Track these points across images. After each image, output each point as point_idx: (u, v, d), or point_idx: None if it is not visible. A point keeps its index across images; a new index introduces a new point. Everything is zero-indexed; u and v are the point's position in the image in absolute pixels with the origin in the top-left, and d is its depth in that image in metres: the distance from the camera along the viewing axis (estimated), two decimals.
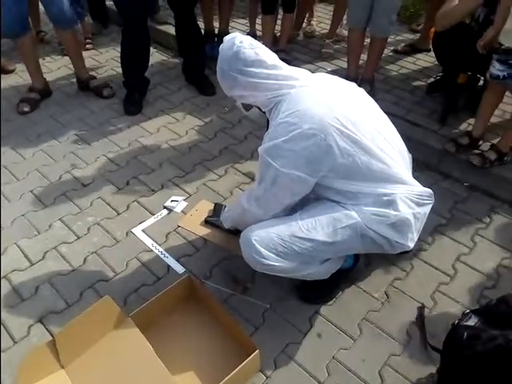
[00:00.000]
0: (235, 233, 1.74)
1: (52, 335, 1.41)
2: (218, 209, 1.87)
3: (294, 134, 1.22)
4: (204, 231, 1.83)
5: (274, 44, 3.03)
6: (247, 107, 1.48)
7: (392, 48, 3.19)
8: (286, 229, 1.31)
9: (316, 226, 1.30)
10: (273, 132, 1.27)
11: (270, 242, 1.30)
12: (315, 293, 1.56)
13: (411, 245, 1.38)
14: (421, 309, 1.53)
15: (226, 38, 1.34)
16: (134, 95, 2.62)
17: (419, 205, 1.35)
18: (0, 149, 2.24)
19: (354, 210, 1.31)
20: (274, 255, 1.30)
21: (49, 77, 2.86)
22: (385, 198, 1.30)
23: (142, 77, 2.64)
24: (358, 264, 1.62)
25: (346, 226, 1.30)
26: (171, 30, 3.29)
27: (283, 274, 1.37)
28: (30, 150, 2.31)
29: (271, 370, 1.37)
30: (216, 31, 3.20)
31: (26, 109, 2.59)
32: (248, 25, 3.44)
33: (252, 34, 3.30)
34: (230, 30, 3.32)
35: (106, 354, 1.29)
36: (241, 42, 1.30)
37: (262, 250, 1.29)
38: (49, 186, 2.08)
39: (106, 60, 3.20)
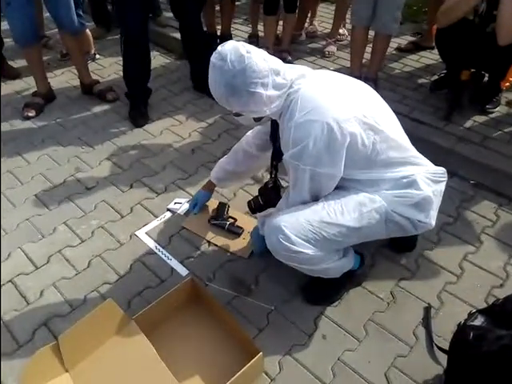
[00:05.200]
0: (238, 234, 1.76)
1: (56, 338, 1.41)
2: (221, 209, 1.86)
3: (317, 131, 1.19)
4: (207, 233, 1.82)
5: (276, 44, 3.03)
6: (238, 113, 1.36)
7: (395, 46, 3.18)
8: (314, 215, 1.30)
9: (343, 211, 1.31)
10: (294, 133, 1.22)
11: (300, 228, 1.28)
12: (320, 294, 1.55)
13: (433, 222, 1.41)
14: (427, 309, 1.51)
15: (226, 50, 1.18)
16: (139, 107, 2.61)
17: (436, 182, 1.39)
18: (0, 154, 2.24)
19: (376, 194, 1.34)
20: (303, 241, 1.28)
21: (53, 82, 2.88)
22: (405, 181, 1.34)
23: (145, 87, 2.64)
24: (364, 266, 1.61)
25: (371, 210, 1.32)
26: (173, 32, 3.32)
27: (305, 265, 1.35)
28: (34, 154, 2.33)
29: (276, 372, 1.36)
30: (218, 33, 3.20)
31: (31, 114, 2.61)
32: (250, 26, 3.44)
33: (254, 35, 3.30)
34: (232, 32, 3.33)
35: (109, 357, 1.28)
36: (248, 52, 1.18)
37: (292, 235, 1.27)
38: (53, 190, 2.10)
39: (109, 64, 3.22)
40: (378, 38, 2.54)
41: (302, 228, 1.28)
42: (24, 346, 1.44)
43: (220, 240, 1.78)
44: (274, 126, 1.45)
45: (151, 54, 2.64)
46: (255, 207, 1.65)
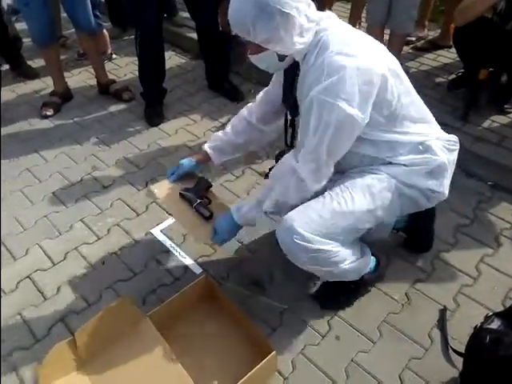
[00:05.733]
0: (205, 218, 1.50)
1: (72, 334, 1.43)
2: (199, 184, 1.60)
3: (353, 66, 1.09)
4: (171, 204, 1.59)
5: None
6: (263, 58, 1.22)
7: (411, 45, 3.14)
8: (324, 207, 1.24)
9: (353, 198, 1.25)
10: (328, 66, 1.10)
11: (313, 224, 1.21)
12: (334, 299, 1.53)
13: (446, 192, 1.37)
14: (443, 311, 1.49)
15: None
16: (155, 106, 2.63)
17: (449, 150, 1.35)
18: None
19: (384, 172, 1.29)
20: (319, 238, 1.21)
21: (70, 81, 2.92)
22: (421, 147, 1.29)
23: (160, 87, 2.66)
24: (379, 269, 1.57)
25: (381, 190, 1.28)
26: (189, 32, 3.34)
27: (326, 267, 1.29)
28: (52, 153, 2.37)
29: (289, 371, 1.36)
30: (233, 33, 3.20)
31: (49, 113, 2.66)
32: None
33: None
34: None
35: (123, 353, 1.30)
36: None
37: (307, 233, 1.20)
38: (70, 188, 2.13)
39: (125, 64, 3.25)
40: (393, 36, 2.51)
41: (316, 224, 1.21)
42: (41, 341, 1.47)
43: (183, 219, 1.54)
44: (291, 73, 1.32)
45: (167, 54, 2.67)
46: None
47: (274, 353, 1.26)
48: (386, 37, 2.61)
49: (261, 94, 1.54)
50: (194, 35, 2.84)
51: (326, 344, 1.43)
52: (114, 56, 3.33)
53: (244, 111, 1.58)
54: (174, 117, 2.63)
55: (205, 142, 1.62)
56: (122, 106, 2.76)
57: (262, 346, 1.31)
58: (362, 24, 3.19)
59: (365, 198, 1.26)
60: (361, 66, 1.10)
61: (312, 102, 1.14)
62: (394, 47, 2.52)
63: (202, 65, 2.91)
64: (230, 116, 2.60)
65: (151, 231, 1.86)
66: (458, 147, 1.39)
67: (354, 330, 1.47)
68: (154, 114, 2.59)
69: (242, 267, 1.69)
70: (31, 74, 3.10)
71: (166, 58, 2.66)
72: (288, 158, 1.31)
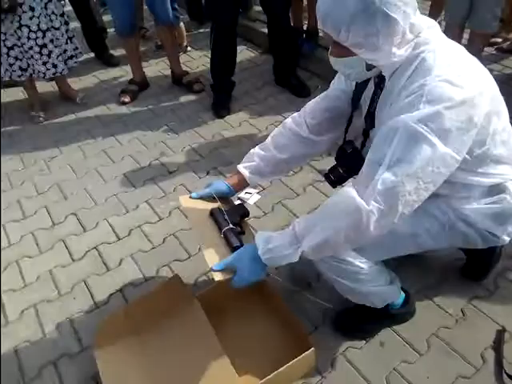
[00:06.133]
0: (234, 248, 1.18)
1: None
2: (235, 209, 1.35)
3: (458, 99, 0.92)
4: (198, 222, 1.29)
5: None
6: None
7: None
8: None
9: None
10: (429, 93, 0.93)
11: None
12: (353, 325, 1.44)
13: (508, 240, 1.22)
14: (501, 332, 1.40)
15: None
16: (222, 98, 2.72)
17: None
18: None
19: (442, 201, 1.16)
20: (352, 251, 1.14)
21: (147, 71, 3.11)
22: (497, 188, 1.15)
23: (229, 80, 2.74)
24: (407, 306, 1.45)
25: (431, 215, 1.16)
26: (262, 27, 3.38)
27: (348, 280, 1.21)
28: (126, 137, 2.55)
29: (327, 370, 1.36)
30: (304, 27, 3.20)
31: (126, 100, 2.85)
32: None
33: None
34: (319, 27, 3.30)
35: (170, 328, 1.38)
36: None
37: None
38: (139, 171, 2.28)
39: (199, 56, 3.38)
40: (474, 36, 2.36)
41: None
42: (100, 308, 1.60)
43: (206, 239, 1.24)
44: (365, 83, 1.18)
45: (239, 47, 2.73)
46: (336, 179, 1.33)
47: (312, 349, 1.26)
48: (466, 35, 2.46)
49: (315, 100, 1.38)
50: (266, 30, 2.89)
51: (369, 349, 1.41)
52: (188, 48, 3.47)
53: (289, 122, 1.39)
54: (240, 109, 2.70)
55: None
56: (192, 97, 2.89)
57: (303, 342, 1.32)
58: (442, 22, 3.04)
59: (410, 219, 1.06)
60: (467, 99, 0.93)
61: (398, 129, 0.95)
62: (475, 47, 2.37)
63: (271, 59, 2.95)
64: (293, 112, 2.60)
65: None
66: None
67: (400, 339, 1.43)
68: (221, 106, 2.68)
69: (291, 263, 1.70)
70: (113, 63, 3.34)
71: (238, 51, 2.73)
72: (348, 191, 1.01)
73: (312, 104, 1.38)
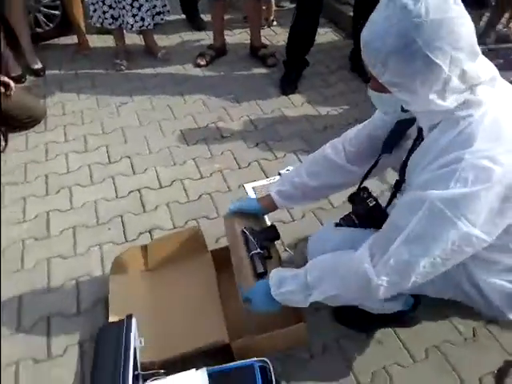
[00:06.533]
0: (258, 275, 1.22)
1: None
2: (267, 231, 1.37)
3: (497, 180, 0.83)
4: (231, 238, 1.35)
5: None
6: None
7: None
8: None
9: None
10: (463, 170, 0.83)
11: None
12: (353, 318, 1.41)
13: (509, 316, 1.16)
14: (509, 363, 1.30)
15: None
16: (291, 76, 2.71)
17: None
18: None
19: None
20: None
21: (229, 39, 3.19)
22: None
23: (302, 59, 2.72)
24: (416, 311, 1.38)
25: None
26: (350, 11, 3.29)
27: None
28: (192, 97, 2.66)
29: (318, 352, 1.37)
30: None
31: (202, 63, 2.96)
32: None
33: None
34: None
35: (180, 269, 1.48)
36: (456, 4, 0.81)
37: None
38: (196, 130, 2.39)
39: (281, 32, 3.38)
40: None
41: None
42: (129, 242, 1.75)
43: (236, 258, 1.29)
44: (406, 128, 1.11)
45: (323, 29, 2.70)
46: (347, 225, 1.28)
47: (302, 324, 1.29)
48: None
49: (358, 127, 1.30)
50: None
51: (365, 343, 1.39)
52: (274, 23, 3.49)
53: (327, 147, 1.32)
54: (307, 90, 2.68)
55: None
56: (264, 70, 2.92)
57: (298, 317, 1.33)
58: None
59: None
60: (507, 178, 0.83)
61: (424, 203, 0.87)
62: None
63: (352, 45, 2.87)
64: (359, 101, 2.54)
65: (244, 185, 2.00)
66: None
67: (399, 342, 1.39)
68: (288, 83, 2.68)
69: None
70: (201, 27, 3.46)
71: (322, 33, 2.70)
72: (362, 258, 0.98)
73: (355, 130, 1.30)
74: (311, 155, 1.39)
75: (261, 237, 1.31)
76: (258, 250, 1.26)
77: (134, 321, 1.13)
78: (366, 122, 1.28)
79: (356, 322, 1.42)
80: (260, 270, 1.22)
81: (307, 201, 1.45)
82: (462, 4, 0.82)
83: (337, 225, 1.29)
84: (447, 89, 0.84)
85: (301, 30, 2.59)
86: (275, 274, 1.15)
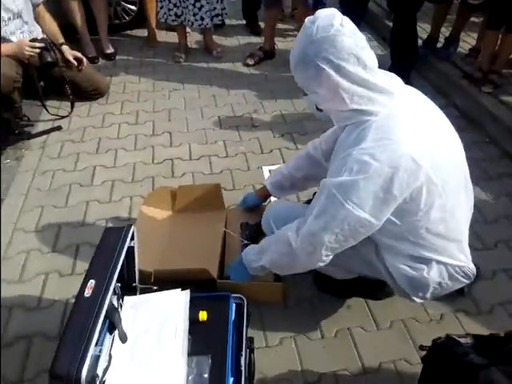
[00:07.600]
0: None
1: None
2: (256, 226, 1.65)
3: (375, 174, 1.03)
4: (231, 229, 1.71)
5: (492, 63, 2.79)
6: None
7: None
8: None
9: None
10: (351, 163, 1.05)
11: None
12: (333, 286, 1.54)
13: (417, 301, 1.31)
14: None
15: (322, 14, 1.06)
16: None
17: (452, 279, 1.24)
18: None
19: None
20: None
21: (281, 44, 3.47)
22: (423, 259, 1.21)
23: None
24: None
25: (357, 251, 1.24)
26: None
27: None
28: (235, 91, 2.95)
29: (292, 306, 1.55)
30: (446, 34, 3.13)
31: (250, 62, 3.25)
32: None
33: (474, 48, 3.07)
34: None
35: (197, 217, 1.77)
36: (341, 25, 1.02)
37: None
38: (231, 118, 2.67)
39: None
40: None
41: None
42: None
43: (229, 242, 1.67)
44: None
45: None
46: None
47: (280, 283, 1.49)
48: None
49: (333, 128, 1.49)
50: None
51: (334, 306, 1.55)
52: None
53: (309, 146, 1.58)
54: None
55: None
56: None
57: (280, 281, 1.51)
58: None
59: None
60: (385, 176, 1.03)
61: (324, 188, 1.11)
62: None
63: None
64: None
65: (263, 167, 2.23)
66: (467, 281, 1.26)
67: (368, 310, 1.53)
68: None
69: None
70: (256, 31, 3.76)
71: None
72: (291, 226, 1.22)
73: (329, 132, 1.53)
74: (299, 151, 1.67)
75: (252, 230, 1.65)
76: (246, 242, 1.58)
77: (132, 228, 1.28)
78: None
79: (333, 290, 1.57)
80: None
81: (295, 190, 1.76)
82: (350, 24, 1.05)
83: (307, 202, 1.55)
84: (347, 93, 1.06)
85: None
86: (246, 248, 1.43)
